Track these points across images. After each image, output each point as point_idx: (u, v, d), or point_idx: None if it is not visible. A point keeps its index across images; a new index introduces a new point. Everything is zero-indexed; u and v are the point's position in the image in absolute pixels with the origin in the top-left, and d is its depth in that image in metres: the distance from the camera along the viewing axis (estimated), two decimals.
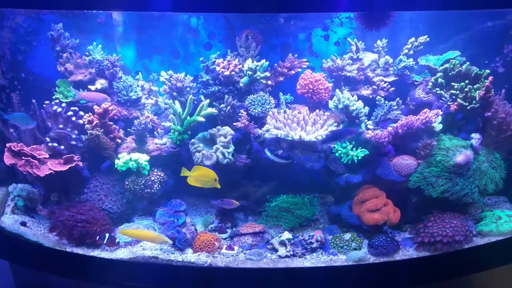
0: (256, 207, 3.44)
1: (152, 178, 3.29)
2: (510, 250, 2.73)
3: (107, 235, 2.78)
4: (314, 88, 3.41)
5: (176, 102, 3.38)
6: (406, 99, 3.50)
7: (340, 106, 3.09)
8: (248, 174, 3.45)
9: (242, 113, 3.19)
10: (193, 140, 3.32)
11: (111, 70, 3.57)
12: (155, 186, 3.32)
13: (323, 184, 3.49)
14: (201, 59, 3.60)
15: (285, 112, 3.27)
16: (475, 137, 3.08)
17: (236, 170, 3.28)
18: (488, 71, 3.14)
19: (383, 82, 3.48)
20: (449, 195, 2.84)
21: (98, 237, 2.75)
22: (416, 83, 3.48)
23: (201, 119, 3.26)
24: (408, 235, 2.96)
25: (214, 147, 3.21)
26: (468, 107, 3.09)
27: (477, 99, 3.07)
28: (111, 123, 3.32)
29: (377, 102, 3.28)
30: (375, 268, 2.62)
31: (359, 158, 3.02)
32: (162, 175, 3.36)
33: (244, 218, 3.49)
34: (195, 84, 3.65)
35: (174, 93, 3.55)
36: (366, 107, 3.13)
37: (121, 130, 3.45)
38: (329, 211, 3.37)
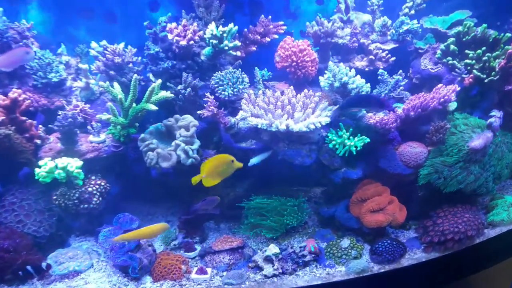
0: (230, 213, 2.85)
1: (90, 190, 2.51)
2: None
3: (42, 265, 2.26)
4: (299, 61, 2.72)
5: (115, 84, 2.56)
6: (407, 71, 2.90)
7: (336, 84, 2.43)
8: None
9: (208, 97, 2.43)
10: (142, 135, 2.55)
11: (21, 43, 2.62)
12: (94, 199, 2.55)
13: (310, 178, 2.87)
14: (145, 23, 2.74)
15: (264, 93, 2.56)
16: (496, 115, 2.57)
17: None
18: (508, 34, 2.61)
19: (380, 51, 2.85)
20: (463, 187, 2.48)
21: (21, 272, 2.23)
22: (420, 51, 2.90)
23: (152, 107, 2.47)
24: (414, 234, 2.63)
25: (173, 143, 2.48)
26: (486, 80, 2.56)
27: (497, 69, 2.53)
28: (25, 118, 2.43)
29: (379, 77, 2.66)
30: (380, 278, 2.31)
31: (358, 148, 2.41)
32: (103, 183, 2.60)
33: (215, 227, 2.90)
34: (139, 58, 2.81)
35: (112, 72, 2.70)
36: (368, 84, 2.49)
37: (40, 126, 2.58)
38: (320, 212, 2.81)
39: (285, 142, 2.54)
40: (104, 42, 2.80)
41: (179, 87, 2.67)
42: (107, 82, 2.55)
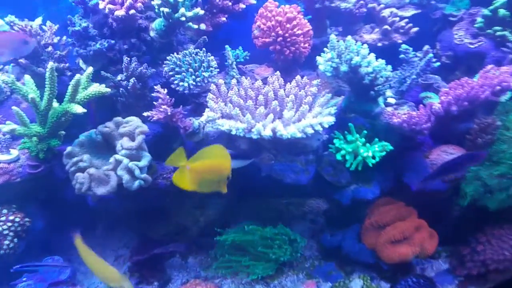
0: (201, 241, 2.23)
1: None
2: None
3: None
4: (286, 35, 2.00)
5: (27, 77, 1.82)
6: (433, 46, 2.19)
7: (344, 67, 1.71)
8: (180, 195, 2.07)
9: (158, 91, 1.70)
10: (69, 148, 1.86)
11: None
12: (6, 242, 1.87)
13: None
14: None
15: (239, 83, 1.85)
16: None
17: (159, 193, 1.96)
18: None
19: (397, 18, 2.12)
20: None
21: None
22: (452, 18, 2.17)
23: (78, 108, 1.75)
24: (445, 265, 2.16)
25: (111, 159, 1.75)
26: None
27: None
28: None
29: (403, 55, 1.94)
30: None
31: (377, 160, 1.74)
32: (18, 219, 1.89)
33: (181, 263, 2.24)
34: (64, 38, 2.04)
35: (22, 61, 1.93)
36: (389, 67, 1.78)
37: None
38: (320, 241, 2.15)
39: (271, 152, 1.84)
40: (11, 18, 2.01)
41: (119, 77, 1.92)
42: (12, 76, 1.79)
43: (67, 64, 2.05)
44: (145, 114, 1.77)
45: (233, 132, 1.72)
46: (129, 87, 1.90)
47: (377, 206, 2.09)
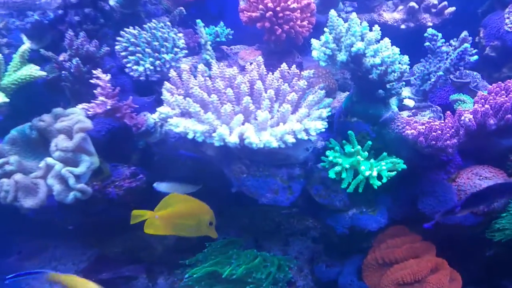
0: (169, 258, 1.83)
1: None
2: None
3: None
4: (278, 8, 1.54)
5: None
6: (474, 33, 1.69)
7: (341, 55, 1.26)
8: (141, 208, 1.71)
9: (98, 77, 1.31)
10: None
11: None
12: None
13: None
14: None
15: (210, 68, 1.43)
16: None
17: (110, 205, 1.62)
18: None
19: None
20: None
21: None
22: None
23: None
24: None
25: (42, 163, 1.40)
26: None
27: None
28: None
29: (428, 42, 1.45)
30: None
31: (384, 181, 1.28)
32: None
33: (147, 285, 1.86)
34: None
35: None
36: (405, 58, 1.30)
37: None
38: (315, 271, 1.76)
39: (243, 162, 1.41)
40: None
41: (62, 56, 1.53)
42: None
43: (4, 40, 1.68)
44: (79, 107, 1.38)
45: (190, 136, 1.31)
46: (72, 70, 1.52)
47: (384, 237, 1.66)
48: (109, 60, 1.69)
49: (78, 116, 1.50)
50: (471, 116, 1.25)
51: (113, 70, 1.70)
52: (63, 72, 1.57)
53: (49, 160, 1.45)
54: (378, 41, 1.32)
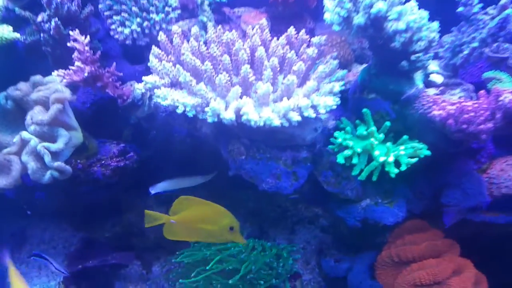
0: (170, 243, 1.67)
1: None
2: None
3: None
4: None
5: None
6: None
7: (358, 18, 1.04)
8: (132, 190, 1.58)
9: (75, 37, 1.13)
10: None
11: None
12: None
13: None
14: None
15: (205, 32, 1.25)
16: None
17: (96, 186, 1.47)
18: None
19: None
20: None
21: None
22: None
23: None
24: None
25: (16, 137, 1.25)
26: None
27: None
28: None
29: (462, 8, 1.21)
30: None
31: (402, 169, 1.08)
32: None
33: (142, 274, 1.73)
34: None
35: None
36: (433, 24, 1.08)
37: None
38: (322, 266, 1.62)
39: (241, 141, 1.23)
40: None
41: (40, 17, 1.35)
42: None
43: None
44: (54, 74, 1.21)
45: (179, 110, 1.13)
46: (50, 33, 1.34)
47: (401, 232, 1.48)
48: (96, 22, 1.51)
49: (56, 85, 1.34)
50: (508, 95, 1.04)
51: (101, 33, 1.53)
52: (42, 34, 1.39)
53: (24, 134, 1.29)
54: (403, 3, 1.11)
